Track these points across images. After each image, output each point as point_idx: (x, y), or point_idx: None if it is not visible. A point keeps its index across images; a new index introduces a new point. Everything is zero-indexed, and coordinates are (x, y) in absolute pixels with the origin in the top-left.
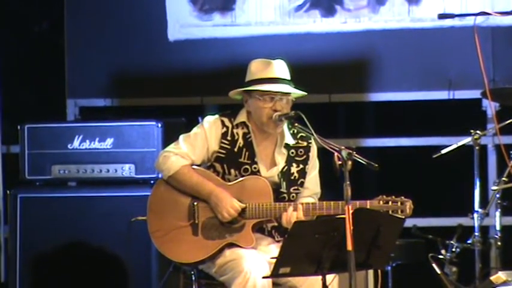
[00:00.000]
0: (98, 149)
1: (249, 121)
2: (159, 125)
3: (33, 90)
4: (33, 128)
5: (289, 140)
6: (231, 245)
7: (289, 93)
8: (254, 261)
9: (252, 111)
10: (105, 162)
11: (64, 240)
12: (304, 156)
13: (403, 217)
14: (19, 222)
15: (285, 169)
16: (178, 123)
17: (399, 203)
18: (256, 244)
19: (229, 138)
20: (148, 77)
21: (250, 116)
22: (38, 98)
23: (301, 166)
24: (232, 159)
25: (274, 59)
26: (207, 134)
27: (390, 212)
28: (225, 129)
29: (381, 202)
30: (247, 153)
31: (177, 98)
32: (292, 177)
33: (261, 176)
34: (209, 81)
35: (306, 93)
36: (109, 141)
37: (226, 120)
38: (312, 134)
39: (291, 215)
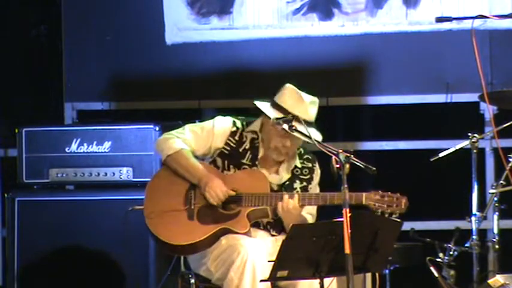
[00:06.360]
0: (95, 152)
1: (260, 132)
2: (157, 129)
3: (31, 93)
4: (31, 132)
5: (297, 163)
6: (226, 232)
7: None
8: (251, 244)
9: (265, 131)
10: (103, 165)
11: (62, 244)
12: (308, 176)
13: (400, 221)
14: (17, 226)
15: (287, 183)
16: (175, 126)
17: (395, 199)
18: (251, 235)
19: (237, 138)
20: (146, 80)
21: (263, 128)
22: (35, 102)
23: (304, 184)
24: (235, 158)
25: (309, 95)
26: (214, 130)
27: (386, 207)
28: (235, 128)
29: (377, 196)
30: (250, 156)
31: (175, 101)
32: (295, 192)
33: None
34: (207, 84)
35: (319, 141)
36: (107, 145)
37: (238, 122)
38: (310, 137)
39: (287, 202)
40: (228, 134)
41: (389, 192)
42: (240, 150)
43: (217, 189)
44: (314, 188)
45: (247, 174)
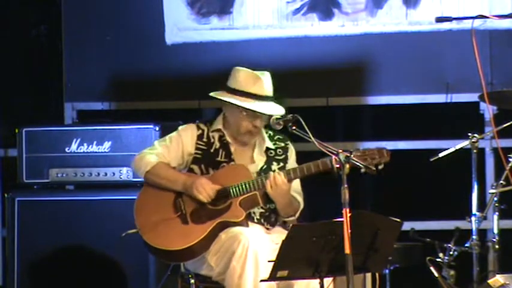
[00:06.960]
0: (95, 152)
1: (225, 129)
2: (157, 129)
3: (31, 93)
4: (31, 132)
5: (269, 144)
6: (224, 226)
7: None
8: (251, 232)
9: (231, 121)
10: (103, 165)
11: (62, 244)
12: (283, 156)
13: (400, 221)
14: (17, 226)
15: (264, 167)
16: (175, 126)
17: (376, 151)
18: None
19: (205, 140)
20: (146, 80)
21: (226, 123)
22: (35, 102)
23: (281, 164)
24: (210, 159)
25: (260, 70)
26: (182, 137)
27: (369, 160)
28: (200, 131)
29: (358, 153)
30: (223, 153)
31: (175, 101)
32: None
33: None
34: (206, 84)
35: (283, 113)
36: (107, 145)
37: (201, 125)
38: (310, 138)
39: (275, 178)
40: (196, 138)
41: (368, 148)
42: (212, 150)
43: (205, 186)
44: (292, 166)
45: (227, 169)
